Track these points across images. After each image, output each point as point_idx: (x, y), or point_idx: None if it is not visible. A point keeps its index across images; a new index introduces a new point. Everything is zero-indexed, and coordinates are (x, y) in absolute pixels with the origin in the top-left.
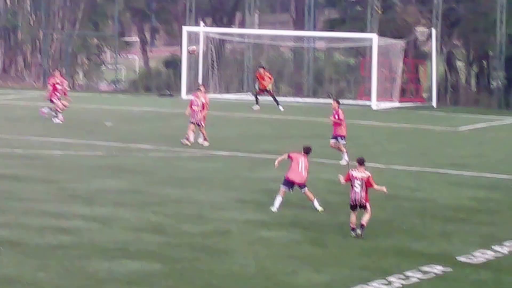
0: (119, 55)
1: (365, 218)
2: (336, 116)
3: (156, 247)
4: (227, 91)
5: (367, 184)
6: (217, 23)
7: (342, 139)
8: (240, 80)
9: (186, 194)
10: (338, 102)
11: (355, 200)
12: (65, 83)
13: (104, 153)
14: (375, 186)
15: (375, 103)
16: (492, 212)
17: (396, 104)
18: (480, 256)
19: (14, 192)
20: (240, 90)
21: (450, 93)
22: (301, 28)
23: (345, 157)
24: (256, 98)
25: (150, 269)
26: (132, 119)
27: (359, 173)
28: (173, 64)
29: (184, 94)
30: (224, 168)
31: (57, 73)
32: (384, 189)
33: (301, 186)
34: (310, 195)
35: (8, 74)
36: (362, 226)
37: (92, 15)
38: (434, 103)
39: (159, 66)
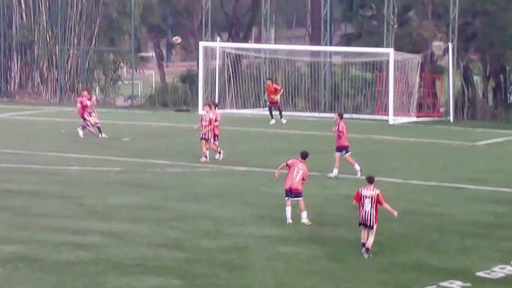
0: (136, 70)
1: (370, 240)
2: (335, 128)
3: (174, 263)
4: (244, 106)
5: (377, 202)
6: (233, 38)
7: (346, 151)
8: (257, 95)
9: (204, 209)
10: (339, 115)
11: (364, 219)
12: (93, 99)
13: (122, 169)
14: (385, 205)
15: (392, 118)
16: (511, 227)
17: (413, 118)
18: (499, 271)
19: (31, 208)
20: (256, 105)
21: (467, 108)
22: (317, 43)
23: (335, 171)
24: (270, 112)
25: (169, 285)
26: (149, 134)
27: (369, 191)
28: (189, 79)
29: (200, 109)
30: (241, 183)
31: (85, 93)
32: (395, 213)
33: (297, 194)
34: (302, 205)
35: (24, 90)
36: (367, 249)
37: (108, 31)
38: (451, 118)
39: (175, 81)
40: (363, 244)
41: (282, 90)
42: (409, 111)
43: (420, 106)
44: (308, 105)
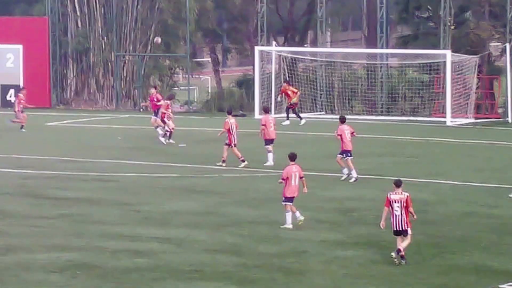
0: (191, 75)
1: (404, 243)
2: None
3: (233, 268)
4: (301, 110)
5: (406, 206)
6: (289, 42)
7: (348, 154)
8: (313, 99)
9: (261, 214)
10: (340, 119)
11: (397, 225)
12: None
13: (178, 175)
14: (411, 209)
15: (449, 120)
16: None
17: (471, 120)
18: None
19: (89, 215)
20: (313, 109)
21: None
22: (374, 45)
23: (344, 171)
24: (287, 113)
25: None
26: (206, 140)
27: (398, 196)
28: (245, 84)
29: (257, 114)
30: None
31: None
32: (415, 216)
33: (292, 200)
34: (293, 209)
35: (80, 97)
36: (400, 254)
37: (163, 36)
38: (509, 119)
39: (231, 86)
40: (398, 251)
41: (299, 93)
42: (466, 113)
43: (477, 108)
44: (365, 108)
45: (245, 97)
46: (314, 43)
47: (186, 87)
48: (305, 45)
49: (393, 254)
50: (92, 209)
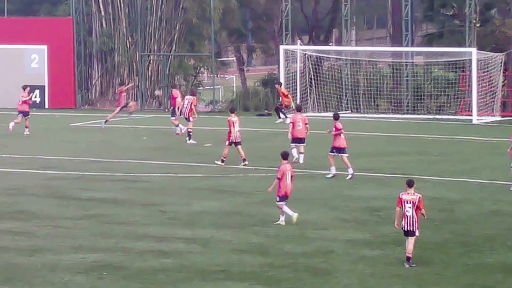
0: (216, 75)
1: (411, 247)
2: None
3: (259, 268)
4: (326, 109)
5: (417, 207)
6: (313, 40)
7: (341, 151)
8: (339, 98)
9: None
10: (334, 116)
11: (408, 226)
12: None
13: (204, 175)
14: (423, 210)
15: (475, 118)
16: None
17: (497, 118)
18: None
19: (114, 216)
20: (339, 107)
21: None
22: (399, 43)
23: (332, 170)
24: (277, 113)
25: None
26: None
27: (410, 196)
28: (270, 83)
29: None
30: (324, 187)
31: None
32: (425, 216)
33: (286, 199)
34: (282, 207)
35: (105, 97)
36: (409, 259)
37: (188, 36)
38: None
39: (256, 86)
40: (408, 258)
41: (290, 98)
42: (493, 110)
43: (504, 105)
44: (391, 106)
45: (270, 96)
46: (339, 42)
47: (211, 87)
48: (330, 44)
49: (406, 265)
50: (118, 210)
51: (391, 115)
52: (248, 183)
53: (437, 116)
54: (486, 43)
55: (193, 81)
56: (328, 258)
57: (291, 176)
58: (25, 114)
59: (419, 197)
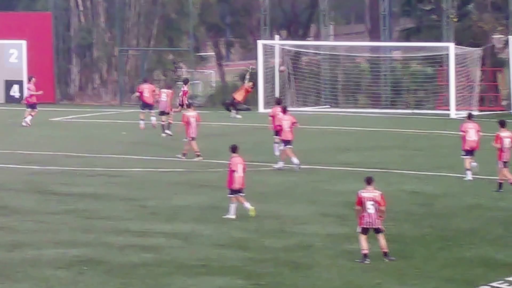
0: (195, 70)
1: (383, 243)
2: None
3: (239, 263)
4: (305, 104)
5: (379, 204)
6: (292, 35)
7: (284, 143)
8: (317, 93)
9: (268, 208)
10: (282, 110)
11: (369, 223)
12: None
13: (184, 169)
14: (383, 207)
15: (453, 112)
16: None
17: (475, 112)
18: None
19: (95, 210)
20: (317, 102)
21: None
22: (377, 38)
23: (295, 161)
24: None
25: (234, 285)
26: (210, 134)
27: (370, 193)
28: (249, 77)
29: (261, 108)
30: (304, 182)
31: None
32: (383, 217)
33: (243, 190)
34: (241, 200)
35: (84, 92)
36: (386, 254)
37: (166, 31)
38: None
39: (235, 80)
40: (366, 255)
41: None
42: (470, 105)
43: (481, 100)
44: (369, 101)
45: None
46: (317, 37)
47: (190, 82)
48: (308, 39)
49: (386, 260)
50: (99, 205)
51: (369, 110)
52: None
53: (416, 111)
54: (463, 38)
55: (172, 76)
56: (308, 253)
57: (243, 169)
58: (29, 106)
59: (380, 194)
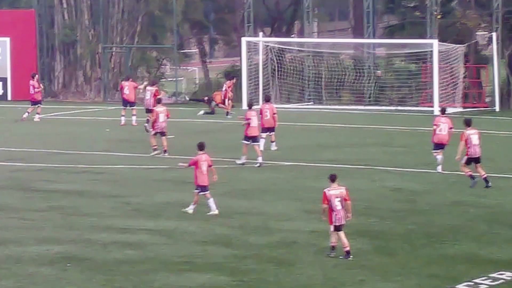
0: (179, 67)
1: (346, 240)
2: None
3: (223, 260)
4: (288, 101)
5: (345, 199)
6: (276, 32)
7: (254, 140)
8: (301, 90)
9: (251, 205)
10: (248, 104)
11: (339, 219)
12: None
13: (168, 166)
14: (349, 202)
15: (437, 109)
16: None
17: (459, 109)
18: None
19: (79, 207)
20: (301, 99)
21: None
22: (361, 35)
23: (243, 159)
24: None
25: (218, 281)
26: (194, 131)
27: (336, 190)
28: (233, 74)
29: (244, 105)
30: (288, 179)
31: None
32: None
33: (207, 187)
34: (196, 199)
35: (68, 89)
36: (347, 250)
37: (150, 28)
38: (497, 108)
39: (219, 77)
40: (333, 248)
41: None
42: (454, 102)
43: (465, 97)
44: (353, 98)
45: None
46: (301, 34)
47: (174, 79)
48: (292, 36)
49: (349, 258)
50: (82, 202)
51: (353, 107)
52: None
53: (399, 108)
54: (447, 34)
55: (155, 73)
56: (292, 249)
57: (209, 166)
58: (35, 103)
59: (346, 189)
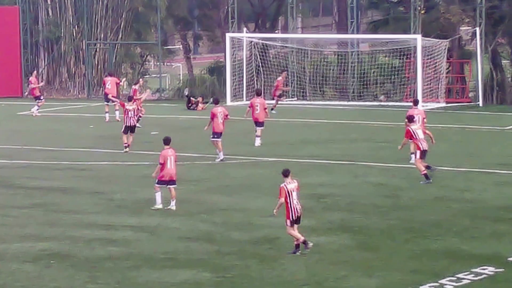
0: (163, 63)
1: (298, 234)
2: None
3: (206, 256)
4: (272, 96)
5: (297, 190)
6: (260, 28)
7: (216, 135)
8: (285, 85)
9: (234, 201)
10: (213, 101)
11: (296, 212)
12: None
13: (151, 163)
14: (298, 191)
15: (421, 104)
16: None
17: (442, 104)
18: None
19: (62, 204)
20: (284, 95)
21: (496, 92)
22: (344, 31)
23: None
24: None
25: (201, 278)
26: (178, 127)
27: (292, 184)
28: (217, 70)
29: (229, 101)
30: (271, 174)
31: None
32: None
33: (174, 181)
34: (174, 192)
35: (52, 86)
36: (306, 242)
37: (134, 24)
38: (480, 103)
39: (203, 73)
40: (300, 244)
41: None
42: (437, 97)
43: (449, 92)
44: (337, 93)
45: (217, 84)
46: (285, 29)
47: (158, 75)
48: (276, 31)
49: (309, 245)
50: (65, 198)
51: (337, 102)
52: (195, 171)
53: (383, 103)
54: (430, 30)
55: (139, 69)
56: (275, 245)
57: (175, 161)
58: (36, 98)
59: (298, 182)
